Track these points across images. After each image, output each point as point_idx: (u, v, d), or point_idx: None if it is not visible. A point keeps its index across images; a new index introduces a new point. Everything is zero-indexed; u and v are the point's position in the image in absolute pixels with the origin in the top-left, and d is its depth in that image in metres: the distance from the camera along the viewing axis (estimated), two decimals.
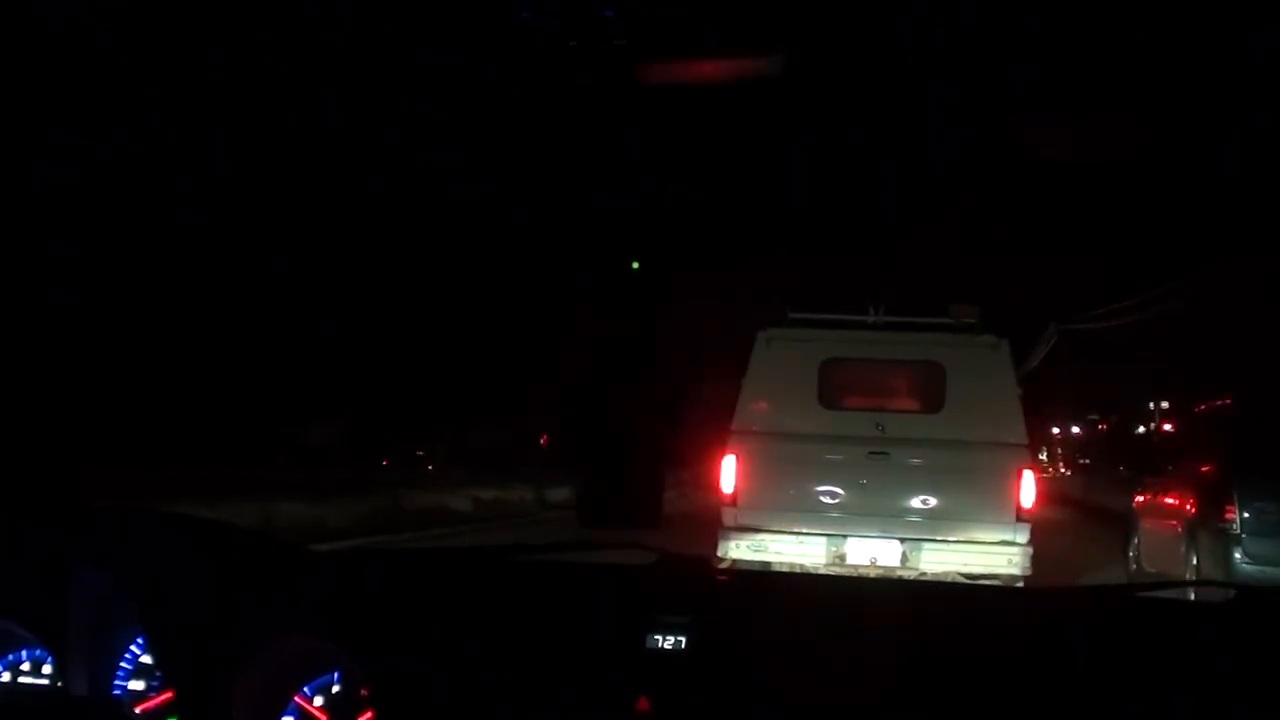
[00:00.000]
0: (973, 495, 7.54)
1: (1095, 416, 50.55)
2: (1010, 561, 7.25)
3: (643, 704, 1.90)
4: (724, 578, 2.60)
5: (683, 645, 1.95)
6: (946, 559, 7.30)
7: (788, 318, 8.16)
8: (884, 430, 7.73)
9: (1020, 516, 7.37)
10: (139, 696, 2.23)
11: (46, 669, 2.32)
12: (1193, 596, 2.37)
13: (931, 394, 7.83)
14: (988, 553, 7.31)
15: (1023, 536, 7.34)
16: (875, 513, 7.60)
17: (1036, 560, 7.39)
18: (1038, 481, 7.75)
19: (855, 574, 6.99)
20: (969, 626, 1.99)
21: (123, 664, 2.26)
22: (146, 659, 2.23)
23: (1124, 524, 10.54)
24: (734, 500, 7.73)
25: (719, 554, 7.48)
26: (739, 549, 7.56)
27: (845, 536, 7.54)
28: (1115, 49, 5.81)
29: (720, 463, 7.91)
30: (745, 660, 1.95)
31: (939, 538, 7.44)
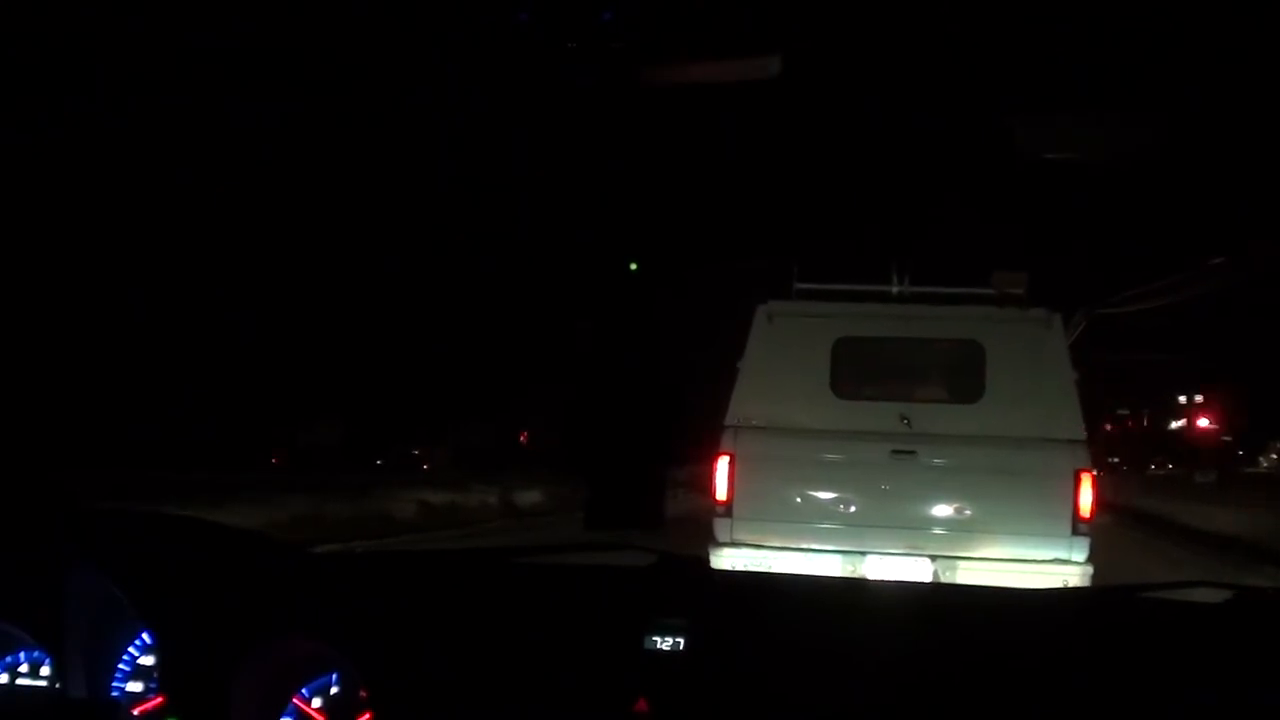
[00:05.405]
0: (1019, 503, 6.68)
1: (1126, 411, 50.39)
2: (1065, 584, 6.30)
3: (641, 705, 1.98)
4: (722, 578, 2.67)
5: (681, 646, 2.04)
6: (987, 581, 6.28)
7: (794, 289, 7.27)
8: (910, 424, 6.87)
9: (1077, 529, 6.50)
10: (137, 698, 2.38)
11: (45, 670, 2.47)
12: (1193, 597, 2.43)
13: (968, 380, 6.99)
14: (1038, 573, 6.43)
15: (1080, 553, 6.54)
16: (900, 524, 6.77)
17: (1094, 580, 6.54)
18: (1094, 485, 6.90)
19: None
20: (969, 627, 2.08)
21: (121, 665, 2.39)
22: (145, 660, 2.34)
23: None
24: (728, 509, 6.87)
25: None
26: (734, 569, 6.79)
27: (864, 554, 6.72)
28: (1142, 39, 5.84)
29: (713, 464, 7.04)
30: (744, 661, 2.06)
31: (977, 555, 6.62)
